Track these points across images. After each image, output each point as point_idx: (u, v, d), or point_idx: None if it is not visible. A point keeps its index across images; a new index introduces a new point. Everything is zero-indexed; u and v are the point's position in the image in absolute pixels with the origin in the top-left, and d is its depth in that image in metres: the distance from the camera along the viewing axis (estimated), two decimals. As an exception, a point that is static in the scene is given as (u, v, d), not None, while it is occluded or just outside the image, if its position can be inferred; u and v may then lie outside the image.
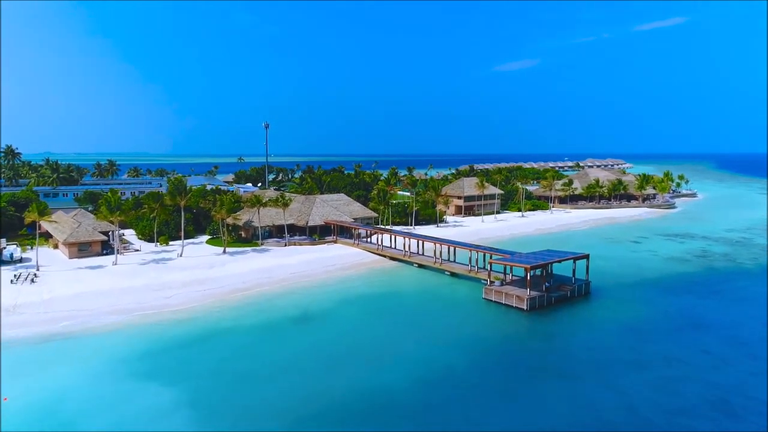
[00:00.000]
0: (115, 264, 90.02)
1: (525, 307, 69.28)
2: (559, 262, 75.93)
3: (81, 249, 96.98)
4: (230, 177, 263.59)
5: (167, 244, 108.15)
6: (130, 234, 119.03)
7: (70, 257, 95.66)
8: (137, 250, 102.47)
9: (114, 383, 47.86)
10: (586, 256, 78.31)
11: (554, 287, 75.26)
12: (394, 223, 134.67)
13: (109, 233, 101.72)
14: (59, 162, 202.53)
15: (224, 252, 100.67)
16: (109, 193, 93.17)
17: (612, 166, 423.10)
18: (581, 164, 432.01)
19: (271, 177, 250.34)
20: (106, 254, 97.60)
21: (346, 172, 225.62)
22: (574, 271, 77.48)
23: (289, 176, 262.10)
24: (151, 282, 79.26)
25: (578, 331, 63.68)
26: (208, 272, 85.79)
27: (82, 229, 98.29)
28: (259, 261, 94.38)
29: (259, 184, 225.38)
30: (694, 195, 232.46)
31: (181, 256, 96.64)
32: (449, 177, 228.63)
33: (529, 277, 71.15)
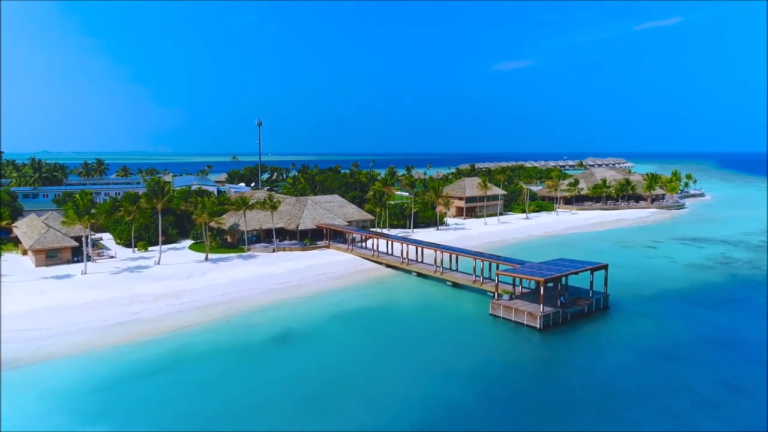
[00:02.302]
0: (84, 273, 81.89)
1: (538, 326, 61.27)
2: (576, 273, 67.66)
3: (50, 256, 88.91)
4: (223, 176, 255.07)
5: (146, 249, 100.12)
6: (108, 239, 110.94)
7: (37, 265, 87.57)
8: (112, 257, 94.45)
9: (54, 428, 39.74)
10: (605, 267, 70.19)
11: (570, 301, 67.26)
12: (392, 226, 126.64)
13: (83, 238, 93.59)
14: (42, 161, 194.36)
15: (206, 259, 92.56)
16: (77, 196, 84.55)
17: (613, 165, 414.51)
18: (584, 163, 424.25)
19: (265, 176, 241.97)
20: (78, 261, 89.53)
21: (342, 171, 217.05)
22: (591, 283, 69.47)
23: (284, 176, 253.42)
24: (120, 295, 71.19)
25: (601, 356, 55.72)
26: (186, 283, 77.76)
27: (51, 234, 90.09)
28: (243, 269, 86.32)
29: (252, 184, 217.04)
30: (702, 195, 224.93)
31: (158, 263, 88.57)
32: (449, 177, 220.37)
33: (542, 291, 63.07)
